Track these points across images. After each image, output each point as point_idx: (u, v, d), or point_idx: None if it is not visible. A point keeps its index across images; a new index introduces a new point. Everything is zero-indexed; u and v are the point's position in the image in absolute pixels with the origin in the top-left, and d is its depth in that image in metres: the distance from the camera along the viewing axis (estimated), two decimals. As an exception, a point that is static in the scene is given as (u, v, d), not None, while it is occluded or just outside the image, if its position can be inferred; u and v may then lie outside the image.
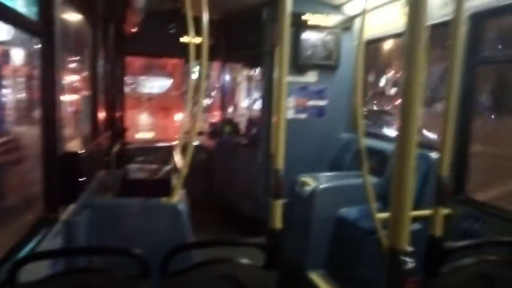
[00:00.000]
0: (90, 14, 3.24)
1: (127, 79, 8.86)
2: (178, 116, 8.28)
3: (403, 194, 1.22)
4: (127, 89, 8.86)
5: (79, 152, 2.27)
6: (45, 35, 2.05)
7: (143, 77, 9.01)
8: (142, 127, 8.91)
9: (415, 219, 3.13)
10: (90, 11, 3.21)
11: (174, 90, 8.98)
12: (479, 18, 2.93)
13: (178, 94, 8.62)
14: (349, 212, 3.55)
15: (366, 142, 3.30)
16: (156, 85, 9.22)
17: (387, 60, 5.33)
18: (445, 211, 2.17)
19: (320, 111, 4.95)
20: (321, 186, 3.69)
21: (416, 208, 3.15)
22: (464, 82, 3.05)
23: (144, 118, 9.35)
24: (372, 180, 3.02)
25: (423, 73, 1.21)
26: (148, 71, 9.10)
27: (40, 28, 2.02)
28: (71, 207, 2.36)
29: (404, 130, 1.21)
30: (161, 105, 9.18)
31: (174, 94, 8.96)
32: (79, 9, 2.97)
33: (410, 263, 1.20)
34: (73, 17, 3.12)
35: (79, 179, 2.25)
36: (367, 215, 3.06)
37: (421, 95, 1.23)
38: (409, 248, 1.24)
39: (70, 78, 3.82)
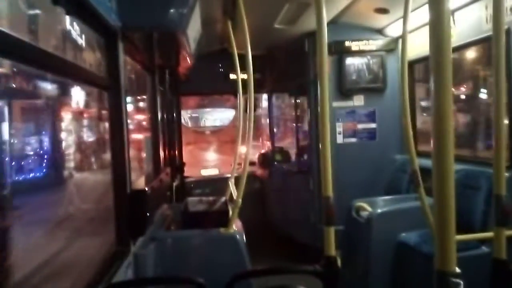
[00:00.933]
0: (148, 64, 3.61)
1: (189, 112, 8.95)
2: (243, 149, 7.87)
3: (445, 212, 1.21)
4: (190, 124, 8.91)
5: (145, 189, 2.50)
6: (113, 89, 2.34)
7: (208, 109, 8.65)
8: (206, 163, 8.68)
9: (482, 241, 2.96)
10: (148, 62, 3.57)
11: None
12: None
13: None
14: (410, 236, 3.42)
15: (422, 162, 3.21)
16: (219, 117, 8.66)
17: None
18: (510, 232, 2.04)
19: (371, 134, 4.90)
20: (379, 211, 3.62)
21: (482, 230, 2.98)
22: None
23: (208, 153, 9.09)
24: (430, 202, 2.91)
25: (451, 90, 1.22)
26: (211, 102, 8.76)
27: (108, 83, 2.31)
28: (140, 240, 2.57)
29: (439, 147, 1.21)
30: (224, 138, 8.47)
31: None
32: (139, 61, 3.33)
33: (459, 284, 1.18)
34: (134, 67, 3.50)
35: (146, 214, 2.46)
36: (428, 239, 2.94)
37: (452, 111, 1.24)
38: (458, 270, 1.21)
39: (133, 120, 4.18)
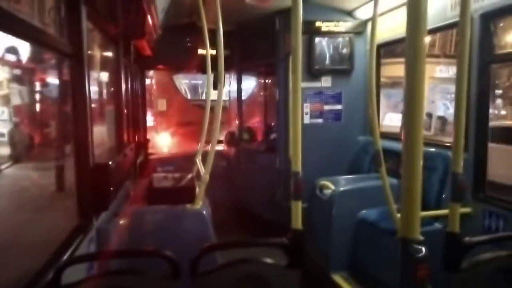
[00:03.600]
0: (112, 34, 3.43)
1: (188, 79, 6.97)
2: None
3: (411, 185, 1.28)
4: (190, 95, 6.94)
5: (108, 162, 2.42)
6: (75, 57, 2.21)
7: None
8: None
9: (435, 218, 3.15)
10: (112, 31, 3.39)
11: (258, 94, 5.89)
12: (489, 18, 2.95)
13: (262, 100, 6.12)
14: (369, 213, 3.58)
15: (384, 143, 3.34)
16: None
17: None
18: (464, 209, 2.18)
19: (336, 115, 5.00)
20: (341, 189, 3.74)
21: (436, 208, 3.17)
22: (479, 80, 3.07)
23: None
24: (390, 181, 3.06)
25: (424, 72, 1.27)
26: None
27: (70, 50, 2.17)
28: (103, 215, 2.50)
29: (409, 130, 1.27)
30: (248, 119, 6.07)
31: (258, 101, 6.00)
32: (102, 29, 3.15)
33: (421, 250, 1.26)
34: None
35: (109, 189, 2.39)
36: (387, 216, 3.09)
37: (424, 96, 1.30)
38: (421, 237, 1.30)
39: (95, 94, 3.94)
